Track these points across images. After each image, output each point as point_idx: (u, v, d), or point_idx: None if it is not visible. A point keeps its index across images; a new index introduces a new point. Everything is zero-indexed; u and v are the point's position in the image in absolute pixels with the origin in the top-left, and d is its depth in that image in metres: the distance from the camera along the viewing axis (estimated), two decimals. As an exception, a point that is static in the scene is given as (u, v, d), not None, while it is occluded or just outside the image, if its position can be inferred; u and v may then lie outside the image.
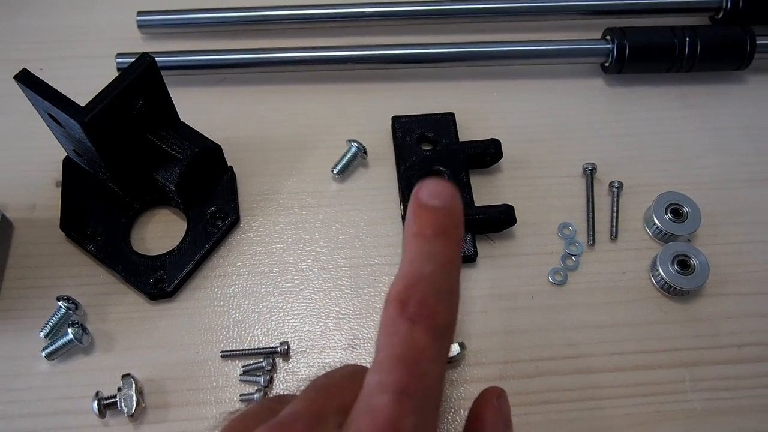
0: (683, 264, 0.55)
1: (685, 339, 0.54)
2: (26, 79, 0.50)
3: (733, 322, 0.55)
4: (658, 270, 0.55)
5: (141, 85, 0.50)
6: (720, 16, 0.69)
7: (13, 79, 0.50)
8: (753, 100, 0.66)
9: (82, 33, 0.70)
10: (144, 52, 0.51)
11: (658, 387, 0.52)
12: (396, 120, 0.62)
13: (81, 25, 0.70)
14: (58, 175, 0.60)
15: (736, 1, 0.67)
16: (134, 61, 0.50)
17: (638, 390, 0.52)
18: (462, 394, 0.52)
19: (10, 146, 0.62)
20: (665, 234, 0.57)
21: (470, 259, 0.56)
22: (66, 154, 0.59)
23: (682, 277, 0.55)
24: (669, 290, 0.55)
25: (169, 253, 0.56)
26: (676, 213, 0.58)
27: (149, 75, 0.51)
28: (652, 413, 0.52)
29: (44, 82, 0.50)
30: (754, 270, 0.57)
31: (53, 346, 0.52)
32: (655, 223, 0.58)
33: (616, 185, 0.60)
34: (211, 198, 0.58)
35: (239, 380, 0.52)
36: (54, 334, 0.53)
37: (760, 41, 0.64)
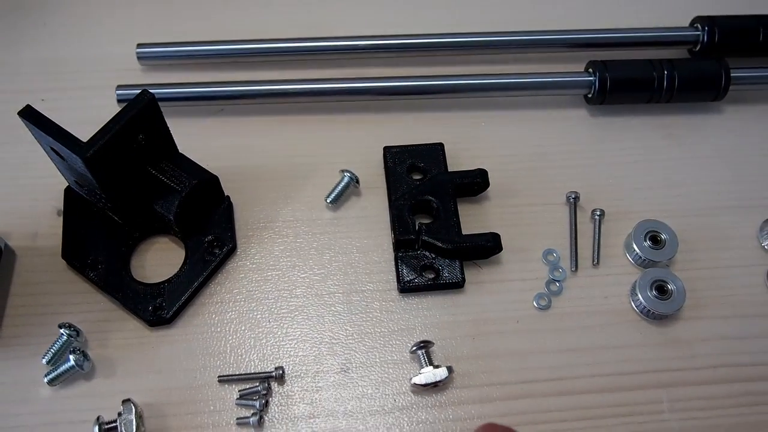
0: (661, 289, 0.58)
1: (663, 361, 0.57)
2: (30, 115, 0.52)
3: (708, 344, 0.57)
4: (637, 295, 0.58)
5: (141, 120, 0.53)
6: (697, 48, 0.71)
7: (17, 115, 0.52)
8: (729, 129, 0.69)
9: (83, 65, 0.72)
10: (144, 89, 0.53)
11: (638, 407, 0.55)
12: (387, 150, 0.64)
13: (82, 57, 0.72)
14: (59, 204, 0.62)
15: (712, 35, 0.70)
16: (135, 97, 0.52)
17: (618, 410, 0.55)
18: (450, 416, 0.54)
19: (13, 176, 0.64)
20: (644, 260, 0.60)
21: (458, 285, 0.59)
22: (67, 185, 0.61)
23: (660, 302, 0.57)
24: (648, 314, 0.58)
25: (168, 280, 0.58)
26: (655, 240, 0.60)
27: (149, 111, 0.53)
28: (632, 433, 0.54)
29: (47, 117, 0.52)
30: (728, 294, 0.60)
31: (55, 373, 0.54)
32: (634, 250, 0.60)
33: (598, 213, 0.62)
34: (209, 227, 0.60)
35: (236, 404, 0.54)
36: (56, 360, 0.55)
37: (734, 74, 0.67)
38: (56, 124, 0.51)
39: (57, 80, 0.71)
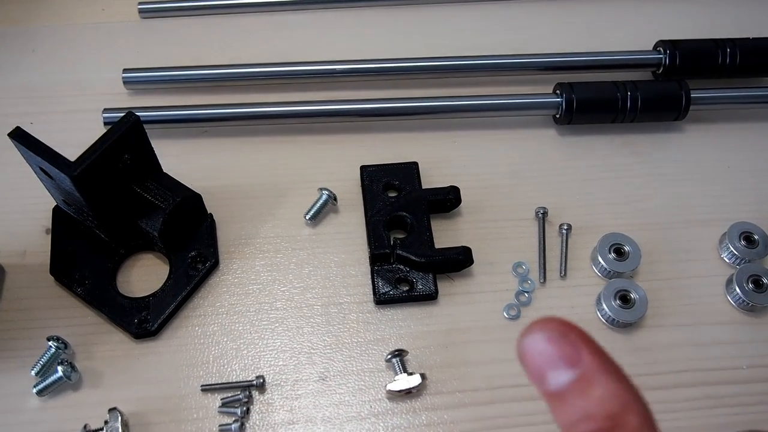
0: (624, 299, 0.60)
1: (627, 367, 0.57)
2: (19, 137, 0.54)
3: (670, 350, 0.60)
4: (602, 304, 0.60)
5: (126, 140, 0.55)
6: (660, 71, 0.75)
7: (7, 137, 0.54)
8: (691, 147, 0.72)
9: (71, 89, 0.74)
10: (129, 111, 0.56)
11: (603, 412, 0.57)
12: (364, 169, 0.67)
13: (69, 81, 0.75)
14: (47, 222, 0.64)
15: (673, 58, 0.73)
16: (120, 119, 0.55)
17: (585, 415, 0.57)
18: (424, 421, 0.57)
19: (2, 196, 0.67)
20: (609, 272, 0.63)
21: (431, 297, 0.61)
22: (55, 203, 0.63)
23: (624, 311, 0.60)
24: (612, 323, 0.60)
25: (153, 294, 0.60)
26: (619, 252, 0.63)
27: (134, 131, 0.56)
28: (597, 436, 0.56)
29: (36, 139, 0.54)
30: (690, 303, 0.63)
31: (44, 383, 0.56)
32: (599, 262, 0.63)
33: (566, 227, 0.65)
34: (192, 243, 0.63)
35: (218, 412, 0.56)
36: (44, 372, 0.57)
37: (695, 94, 0.70)
38: (45, 145, 0.53)
39: (46, 104, 0.73)
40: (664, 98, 0.70)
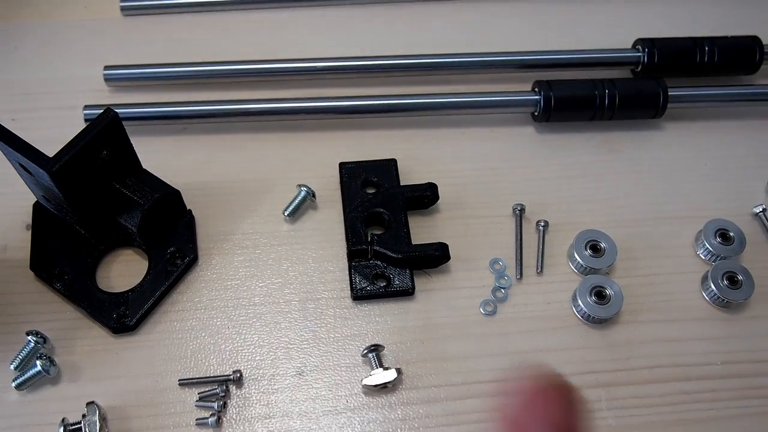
0: (600, 294, 0.61)
1: (603, 362, 0.60)
2: (-1, 133, 0.55)
3: (645, 346, 0.61)
4: (577, 300, 0.61)
5: (105, 137, 0.56)
6: (639, 69, 0.76)
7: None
8: (668, 145, 0.73)
9: (52, 86, 0.75)
10: (108, 107, 0.56)
11: (577, 406, 0.58)
12: (342, 166, 0.68)
13: (51, 78, 0.75)
14: (28, 218, 0.64)
15: (652, 56, 0.74)
16: (99, 115, 0.55)
17: (559, 409, 0.58)
18: (399, 415, 0.57)
19: (-16, 193, 0.67)
20: (585, 268, 0.63)
21: (408, 292, 0.62)
22: (36, 200, 0.64)
23: (599, 307, 0.60)
24: (588, 318, 0.61)
25: (132, 290, 0.61)
26: (595, 248, 0.64)
27: (113, 128, 0.56)
28: (571, 430, 0.57)
29: (15, 134, 0.54)
30: (664, 299, 0.63)
31: (22, 378, 0.56)
32: (576, 258, 0.63)
33: (543, 224, 0.66)
34: (171, 239, 0.63)
35: (195, 406, 0.57)
36: (23, 366, 0.57)
37: (672, 92, 0.71)
38: (24, 141, 0.54)
39: (27, 101, 0.74)
40: (642, 96, 0.71)
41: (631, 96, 0.71)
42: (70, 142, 0.54)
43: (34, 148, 0.54)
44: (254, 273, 0.63)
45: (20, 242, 0.64)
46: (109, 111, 0.56)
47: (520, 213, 0.66)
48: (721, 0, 0.84)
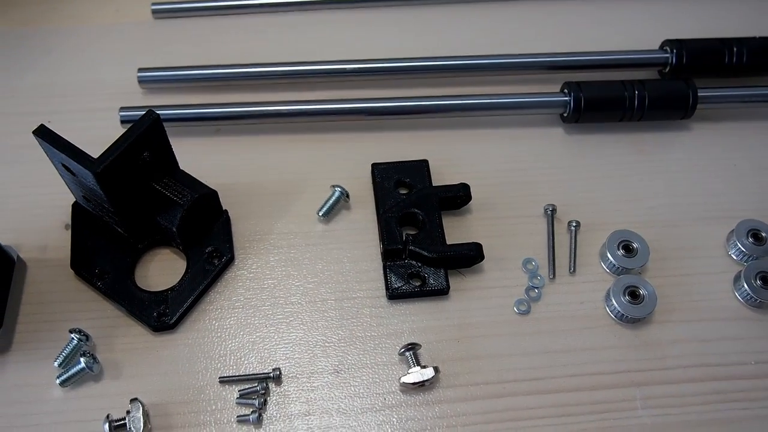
0: (633, 294, 0.62)
1: (636, 362, 0.61)
2: (43, 134, 0.56)
3: (678, 345, 0.61)
4: (611, 300, 0.62)
5: (147, 138, 0.57)
6: (667, 70, 0.76)
7: (32, 134, 0.55)
8: (697, 146, 0.73)
9: (87, 88, 0.76)
10: (149, 109, 0.57)
11: (612, 405, 0.58)
12: (375, 166, 0.68)
13: (86, 81, 0.77)
14: (67, 218, 0.65)
15: (680, 57, 0.75)
16: (141, 117, 0.56)
17: (594, 408, 0.58)
18: (437, 413, 0.58)
19: (24, 193, 0.68)
20: (618, 268, 0.64)
21: (443, 292, 0.62)
22: (74, 200, 0.65)
23: (633, 307, 0.61)
24: (622, 318, 0.62)
25: (171, 289, 0.62)
26: (627, 249, 0.64)
27: (154, 129, 0.57)
28: (606, 428, 0.57)
29: (60, 136, 0.55)
30: (696, 299, 0.64)
31: (67, 374, 0.57)
32: (608, 258, 0.64)
33: (574, 224, 0.66)
34: (209, 239, 0.64)
35: (236, 403, 0.58)
36: (67, 363, 0.58)
37: (701, 93, 0.72)
38: (68, 142, 0.55)
39: (63, 103, 0.75)
40: (672, 97, 0.71)
41: (661, 97, 0.71)
42: (113, 143, 0.55)
43: (79, 149, 0.55)
44: (290, 272, 0.64)
45: (60, 242, 0.65)
46: (150, 113, 0.57)
47: (551, 213, 0.67)
48: (749, 0, 0.84)
